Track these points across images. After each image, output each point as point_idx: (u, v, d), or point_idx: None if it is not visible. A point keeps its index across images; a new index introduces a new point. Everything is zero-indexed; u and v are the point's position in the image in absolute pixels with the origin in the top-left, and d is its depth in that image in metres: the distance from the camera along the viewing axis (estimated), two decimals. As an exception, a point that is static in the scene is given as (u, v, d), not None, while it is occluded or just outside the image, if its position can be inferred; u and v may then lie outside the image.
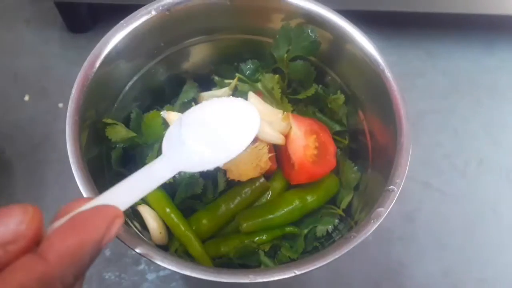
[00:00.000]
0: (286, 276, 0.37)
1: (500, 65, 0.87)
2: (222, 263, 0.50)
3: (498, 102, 0.84)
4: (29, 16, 0.88)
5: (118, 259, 0.68)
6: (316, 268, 0.37)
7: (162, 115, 0.51)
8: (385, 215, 0.41)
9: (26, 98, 0.80)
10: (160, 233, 0.50)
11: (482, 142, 0.80)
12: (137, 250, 0.38)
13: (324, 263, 0.38)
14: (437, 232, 0.73)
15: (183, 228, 0.49)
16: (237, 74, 0.56)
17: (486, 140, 0.80)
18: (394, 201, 0.42)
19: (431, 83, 0.85)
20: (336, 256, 0.38)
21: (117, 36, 0.47)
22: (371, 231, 0.40)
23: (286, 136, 0.52)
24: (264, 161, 0.51)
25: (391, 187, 0.43)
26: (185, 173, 0.51)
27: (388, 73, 0.47)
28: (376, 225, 0.40)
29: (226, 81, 0.57)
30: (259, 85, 0.56)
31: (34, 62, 0.83)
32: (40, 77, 0.82)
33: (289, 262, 0.49)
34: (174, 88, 0.59)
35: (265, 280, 0.36)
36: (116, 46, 0.47)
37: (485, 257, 0.71)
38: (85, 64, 0.45)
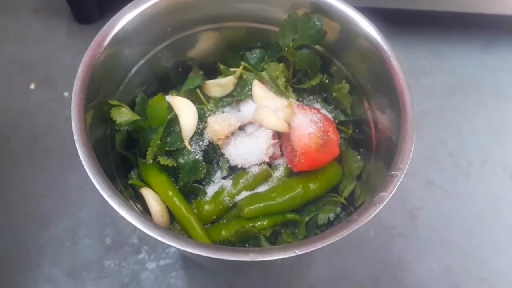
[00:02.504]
0: (287, 255, 0.37)
1: (504, 65, 0.88)
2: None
3: (502, 101, 0.84)
4: (37, 6, 0.88)
5: (118, 247, 0.68)
6: (317, 249, 0.37)
7: (167, 100, 0.51)
8: (387, 199, 0.41)
9: (32, 86, 0.80)
10: (162, 216, 0.50)
11: (486, 141, 0.80)
12: (140, 227, 0.38)
13: (325, 244, 0.38)
14: (438, 230, 0.72)
15: (185, 212, 0.49)
16: (243, 63, 0.57)
17: (489, 139, 0.80)
18: (397, 185, 0.42)
19: (436, 82, 0.86)
20: (337, 238, 0.38)
21: (125, 18, 0.47)
22: (373, 215, 0.40)
23: (290, 124, 0.52)
24: (268, 147, 0.51)
25: (394, 172, 0.43)
26: (188, 157, 0.51)
27: (393, 61, 0.47)
28: (378, 209, 0.40)
29: (232, 69, 0.58)
30: (264, 74, 0.56)
31: (41, 51, 0.84)
32: (46, 66, 0.83)
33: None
34: (179, 75, 0.59)
35: (265, 259, 0.36)
36: (123, 27, 0.47)
37: (486, 255, 0.71)
38: (92, 44, 0.45)
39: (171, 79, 0.59)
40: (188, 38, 0.57)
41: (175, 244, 0.36)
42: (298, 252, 0.37)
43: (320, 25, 0.51)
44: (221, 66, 0.59)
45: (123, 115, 0.48)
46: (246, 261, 0.36)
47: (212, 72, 0.60)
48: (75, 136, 0.41)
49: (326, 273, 0.69)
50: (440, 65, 0.87)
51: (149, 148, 0.49)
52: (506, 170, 0.78)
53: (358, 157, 0.53)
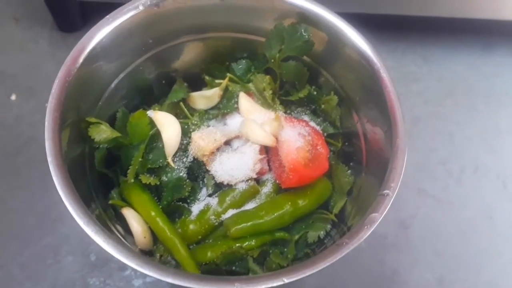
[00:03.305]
0: (275, 284, 0.35)
1: (495, 71, 0.87)
2: (209, 269, 0.48)
3: (494, 107, 0.83)
4: (18, 14, 0.86)
5: (103, 264, 0.66)
6: (306, 276, 0.36)
7: (148, 115, 0.49)
8: (379, 221, 0.39)
9: (13, 97, 0.78)
10: (145, 237, 0.48)
11: (478, 148, 0.79)
12: (117, 257, 0.36)
13: (314, 270, 0.36)
14: (431, 239, 0.71)
15: (168, 233, 0.47)
16: (228, 74, 0.55)
17: (481, 146, 0.79)
18: (389, 206, 0.40)
19: (427, 89, 0.84)
20: (327, 264, 0.37)
21: (103, 31, 0.45)
22: (364, 238, 0.38)
23: (278, 137, 0.50)
24: (255, 163, 0.49)
25: (385, 191, 0.41)
26: (171, 175, 0.49)
27: (383, 74, 0.46)
28: (370, 232, 0.39)
29: (217, 81, 0.56)
30: (251, 85, 0.54)
31: (22, 60, 0.82)
32: (28, 76, 0.80)
33: (278, 269, 0.47)
34: (163, 87, 0.57)
35: (252, 288, 0.35)
36: (101, 41, 0.45)
37: (480, 264, 0.70)
38: (68, 59, 0.43)
39: (154, 91, 0.57)
40: (171, 49, 0.55)
41: (155, 274, 0.34)
42: (286, 280, 0.35)
43: (307, 36, 0.49)
44: (206, 78, 0.57)
45: (102, 133, 0.46)
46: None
47: (197, 84, 0.58)
48: (49, 158, 0.39)
49: (317, 286, 0.67)
50: (430, 71, 0.86)
51: (130, 166, 0.47)
52: (499, 177, 0.77)
53: (348, 171, 0.51)
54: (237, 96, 0.53)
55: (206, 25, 0.54)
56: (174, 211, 0.50)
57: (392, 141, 0.44)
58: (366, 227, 0.39)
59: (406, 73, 0.86)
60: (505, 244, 0.71)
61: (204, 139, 0.49)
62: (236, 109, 0.53)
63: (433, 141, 0.79)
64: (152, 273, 0.35)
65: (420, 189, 0.75)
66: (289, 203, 0.49)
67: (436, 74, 0.86)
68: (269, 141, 0.49)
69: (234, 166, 0.49)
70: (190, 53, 0.57)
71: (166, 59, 0.55)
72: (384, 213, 0.40)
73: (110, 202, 0.49)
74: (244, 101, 0.52)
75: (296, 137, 0.50)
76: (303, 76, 0.53)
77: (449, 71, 0.86)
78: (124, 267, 0.66)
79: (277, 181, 0.51)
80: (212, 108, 0.56)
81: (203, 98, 0.55)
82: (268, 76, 0.53)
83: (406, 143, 0.43)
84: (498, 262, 0.70)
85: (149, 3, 0.47)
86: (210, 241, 0.50)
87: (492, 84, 0.85)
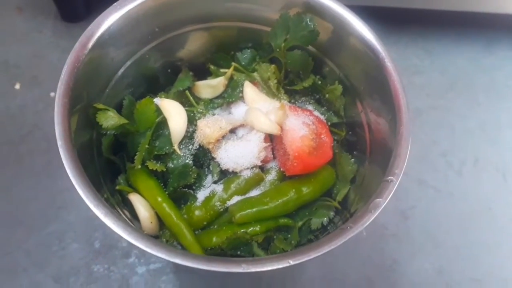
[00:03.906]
0: (280, 266, 0.36)
1: (497, 64, 0.87)
2: (214, 254, 0.48)
3: (495, 100, 0.84)
4: (21, 4, 0.86)
5: (107, 251, 0.67)
6: (310, 260, 0.36)
7: (155, 102, 0.50)
8: (383, 206, 0.40)
9: (17, 86, 0.78)
10: (151, 222, 0.48)
11: (479, 140, 0.80)
12: (127, 238, 0.36)
13: (319, 253, 0.37)
14: (431, 230, 0.72)
15: (174, 218, 0.47)
16: (233, 64, 0.55)
17: (482, 139, 0.80)
18: (393, 192, 0.41)
19: (429, 81, 0.85)
20: (332, 247, 0.37)
21: (111, 18, 0.46)
22: (368, 222, 0.39)
23: (282, 126, 0.51)
24: (259, 151, 0.50)
25: (389, 177, 0.42)
26: (177, 161, 0.49)
27: (388, 63, 0.46)
28: (374, 216, 0.39)
29: (222, 70, 0.56)
30: (255, 74, 0.55)
31: (26, 50, 0.82)
32: (32, 66, 0.80)
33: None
34: (168, 76, 0.57)
35: (258, 270, 0.35)
36: (109, 28, 0.46)
37: (479, 255, 0.70)
38: (77, 45, 0.44)
39: (160, 80, 0.57)
40: (177, 38, 0.55)
41: (163, 255, 0.35)
42: (292, 262, 0.35)
43: (312, 26, 0.50)
44: (211, 67, 0.57)
45: (110, 119, 0.47)
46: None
47: (202, 73, 0.58)
48: (59, 142, 0.39)
49: (319, 275, 0.68)
50: (432, 64, 0.86)
51: (137, 153, 0.47)
52: (499, 170, 0.77)
53: (352, 160, 0.52)
54: (242, 85, 0.53)
55: (212, 14, 0.54)
56: (180, 197, 0.51)
57: (396, 130, 0.45)
58: (370, 211, 0.39)
59: (408, 66, 0.86)
60: (504, 235, 0.72)
61: (210, 127, 0.49)
62: (241, 98, 0.53)
63: (434, 133, 0.80)
64: (161, 254, 0.35)
65: (421, 180, 0.75)
66: (293, 190, 0.50)
67: (438, 67, 0.86)
68: (273, 130, 0.50)
69: (239, 154, 0.49)
70: (195, 42, 0.57)
71: (172, 48, 0.56)
72: (388, 199, 0.41)
73: (117, 187, 0.50)
74: (249, 90, 0.53)
75: (301, 126, 0.50)
76: (308, 65, 0.54)
77: (451, 64, 0.87)
78: (128, 254, 0.67)
79: (282, 169, 0.52)
80: (217, 97, 0.56)
81: (208, 87, 0.56)
82: (273, 65, 0.54)
83: (410, 130, 0.44)
84: (497, 253, 0.71)
85: (157, -10, 0.48)
86: (216, 226, 0.51)
87: (493, 77, 0.86)
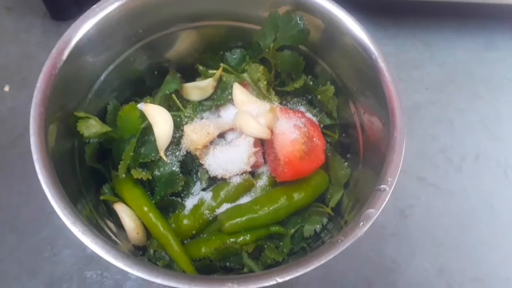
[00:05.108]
0: (267, 284, 0.34)
1: (498, 56, 0.85)
2: (203, 265, 0.47)
3: (495, 93, 0.81)
4: (9, 3, 0.84)
5: (100, 256, 0.65)
6: (299, 275, 0.35)
7: (139, 108, 0.48)
8: (375, 217, 0.38)
9: (6, 88, 0.77)
10: (138, 233, 0.47)
11: (479, 135, 0.78)
12: (105, 257, 0.35)
13: (308, 269, 0.36)
14: (431, 229, 0.70)
15: (161, 229, 0.46)
16: (222, 64, 0.53)
17: (482, 134, 0.78)
18: (386, 201, 0.39)
19: (428, 75, 0.83)
20: (321, 262, 0.36)
21: (89, 22, 0.44)
22: (359, 235, 0.37)
23: (273, 129, 0.49)
24: (249, 156, 0.48)
25: (382, 186, 0.40)
26: (164, 169, 0.48)
27: (381, 63, 0.44)
28: (365, 228, 0.38)
29: (211, 71, 0.54)
30: (245, 75, 0.53)
31: (15, 51, 0.80)
32: (21, 67, 0.79)
33: (273, 264, 0.46)
34: (155, 78, 0.55)
35: (244, 288, 0.34)
36: (88, 32, 0.44)
37: (480, 254, 0.69)
38: (53, 51, 0.42)
39: (146, 82, 0.55)
40: (163, 38, 0.53)
41: (144, 275, 0.34)
42: (279, 279, 0.34)
43: (302, 25, 0.48)
44: (200, 68, 0.55)
45: (91, 128, 0.45)
46: None
47: (190, 74, 0.56)
48: (34, 156, 0.38)
49: (317, 278, 0.67)
50: (431, 57, 0.84)
51: (121, 162, 0.46)
52: (500, 165, 0.75)
53: (345, 164, 0.50)
54: (231, 87, 0.51)
55: (200, 13, 0.52)
56: (168, 205, 0.49)
57: (390, 132, 0.43)
58: (361, 223, 0.38)
59: (406, 59, 0.84)
60: (506, 233, 0.70)
61: (196, 132, 0.48)
62: (230, 101, 0.52)
63: (434, 129, 0.78)
64: (141, 274, 0.34)
65: (420, 177, 0.74)
66: (284, 196, 0.48)
67: (438, 60, 0.84)
68: (263, 134, 0.48)
69: (228, 160, 0.48)
70: (183, 42, 0.55)
71: (158, 48, 0.54)
72: (381, 209, 0.39)
73: (102, 197, 0.48)
74: (238, 92, 0.51)
75: (292, 129, 0.48)
76: (299, 66, 0.52)
77: (451, 56, 0.84)
78: (120, 260, 0.65)
79: (273, 174, 0.50)
80: (206, 99, 0.54)
81: (197, 89, 0.54)
82: (262, 67, 0.52)
83: (404, 135, 0.42)
84: (499, 252, 0.69)
85: (137, -10, 0.46)
86: (205, 235, 0.49)
87: (494, 70, 0.83)
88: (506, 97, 0.81)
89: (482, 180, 0.74)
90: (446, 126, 0.78)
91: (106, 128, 0.46)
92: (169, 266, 0.47)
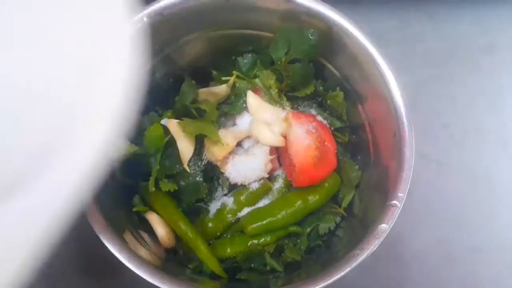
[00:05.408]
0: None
1: (499, 25, 0.84)
2: (230, 265, 0.52)
3: (496, 64, 0.82)
4: None
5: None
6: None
7: (162, 124, 0.51)
8: (387, 231, 0.42)
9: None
10: (169, 239, 0.51)
11: (480, 109, 0.79)
12: (135, 270, 0.39)
13: (327, 283, 0.40)
14: (433, 203, 0.74)
15: (190, 235, 0.50)
16: (235, 72, 0.55)
17: (484, 107, 0.79)
18: (397, 217, 0.43)
19: (430, 49, 0.83)
20: (339, 275, 0.40)
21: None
22: (374, 249, 0.42)
23: (287, 136, 0.52)
24: (266, 164, 0.51)
25: (393, 202, 0.44)
26: (188, 179, 0.51)
27: (383, 69, 0.46)
28: (380, 241, 0.42)
29: (224, 78, 0.56)
30: (257, 81, 0.55)
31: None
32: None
33: (293, 262, 0.51)
34: (170, 85, 0.57)
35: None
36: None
37: (478, 225, 0.73)
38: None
39: (162, 91, 0.57)
40: (177, 49, 0.54)
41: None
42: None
43: (313, 40, 0.49)
44: (214, 72, 0.57)
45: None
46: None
47: (204, 77, 0.58)
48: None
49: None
50: (433, 30, 0.84)
51: (149, 177, 0.49)
52: (500, 138, 0.78)
53: (356, 166, 0.53)
54: (245, 95, 0.54)
55: (212, 24, 0.53)
56: (193, 210, 0.53)
57: (399, 148, 0.46)
58: (376, 237, 0.42)
59: (410, 34, 0.83)
60: (503, 204, 0.74)
61: (216, 144, 0.50)
62: (245, 109, 0.54)
63: (436, 104, 0.79)
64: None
65: (423, 154, 0.76)
66: (300, 200, 0.52)
67: (439, 33, 0.83)
68: (278, 143, 0.51)
69: (247, 168, 0.51)
70: (195, 49, 0.56)
71: (173, 59, 0.55)
72: (392, 224, 0.43)
73: (135, 209, 0.52)
74: (252, 100, 0.53)
75: (305, 136, 0.51)
76: (310, 75, 0.53)
77: (453, 29, 0.84)
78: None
79: (288, 179, 0.53)
80: (222, 103, 0.57)
81: (212, 95, 0.56)
82: (274, 77, 0.53)
83: (413, 149, 0.45)
84: (496, 222, 0.73)
85: (153, 14, 0.47)
86: (228, 236, 0.54)
87: (495, 39, 0.83)
88: (507, 68, 0.81)
89: (482, 154, 0.77)
90: (448, 101, 0.80)
91: (133, 148, 0.49)
92: (199, 267, 0.52)
